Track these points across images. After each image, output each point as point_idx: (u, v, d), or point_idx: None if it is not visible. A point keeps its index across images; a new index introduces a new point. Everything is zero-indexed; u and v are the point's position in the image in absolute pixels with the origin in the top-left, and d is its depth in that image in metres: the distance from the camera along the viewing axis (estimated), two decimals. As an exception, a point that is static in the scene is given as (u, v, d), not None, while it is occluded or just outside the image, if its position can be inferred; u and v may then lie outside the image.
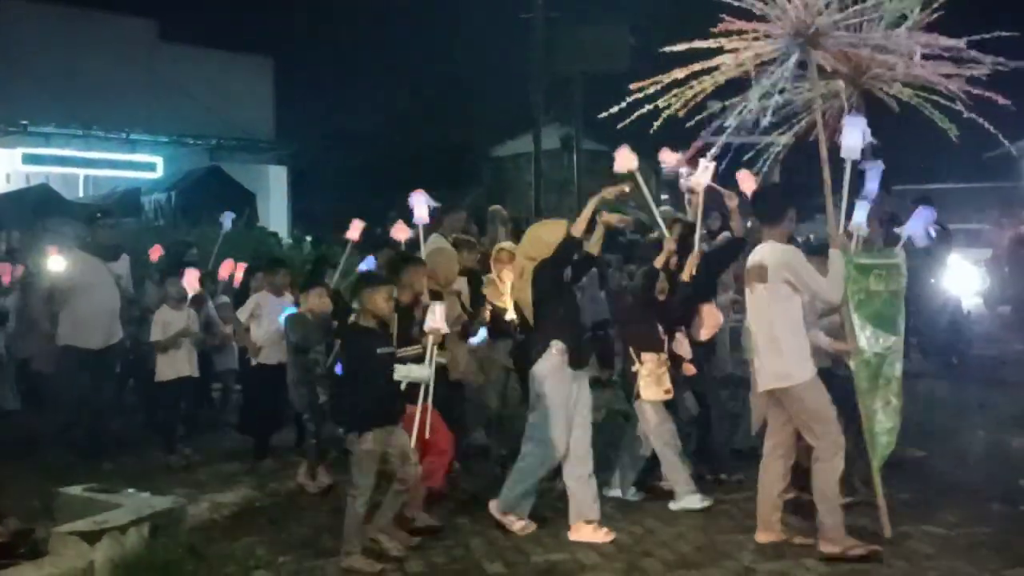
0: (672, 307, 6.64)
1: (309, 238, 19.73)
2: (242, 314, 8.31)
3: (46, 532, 5.44)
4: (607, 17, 19.50)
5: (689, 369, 6.77)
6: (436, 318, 5.86)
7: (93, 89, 23.00)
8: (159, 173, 24.63)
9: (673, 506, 6.47)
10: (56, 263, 8.59)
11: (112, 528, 5.41)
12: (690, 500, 6.42)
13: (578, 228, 6.06)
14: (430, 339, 5.90)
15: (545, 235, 6.16)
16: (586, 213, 6.14)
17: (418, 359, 5.90)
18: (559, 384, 6.03)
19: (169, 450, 8.21)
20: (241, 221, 19.80)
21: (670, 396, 6.52)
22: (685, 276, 6.64)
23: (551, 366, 6.04)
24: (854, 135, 6.01)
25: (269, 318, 8.02)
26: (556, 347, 6.04)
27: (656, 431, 6.49)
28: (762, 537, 5.71)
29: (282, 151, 27.90)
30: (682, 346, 6.72)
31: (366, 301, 5.73)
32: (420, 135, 29.02)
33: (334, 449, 7.31)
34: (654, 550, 5.75)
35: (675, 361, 6.68)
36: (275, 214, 26.25)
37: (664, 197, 29.10)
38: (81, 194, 23.97)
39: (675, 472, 6.50)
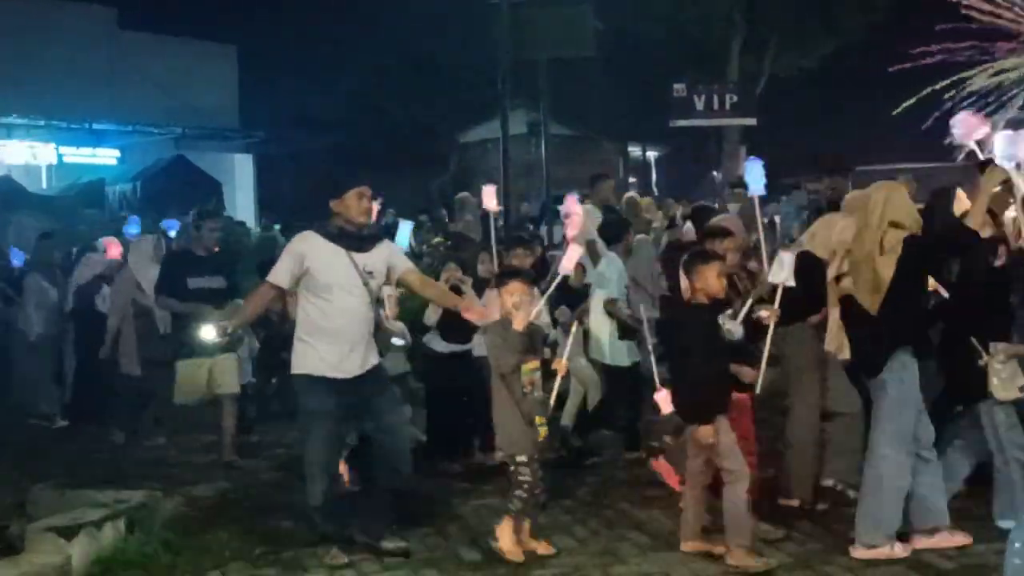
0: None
1: (278, 226, 19.64)
2: None
3: (20, 528, 5.43)
4: (572, 0, 19.53)
5: None
6: (784, 270, 5.38)
7: (54, 79, 22.71)
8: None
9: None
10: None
11: (88, 523, 5.42)
12: None
13: (977, 221, 5.21)
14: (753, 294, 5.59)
15: (907, 202, 5.36)
16: (982, 204, 5.25)
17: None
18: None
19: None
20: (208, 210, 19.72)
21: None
22: None
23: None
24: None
25: None
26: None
27: (1007, 437, 5.46)
28: None
29: (247, 139, 27.71)
30: None
31: (697, 278, 5.38)
32: (386, 120, 28.92)
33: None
34: (627, 534, 5.83)
35: None
36: (242, 203, 26.10)
37: (632, 181, 29.30)
38: (44, 185, 23.73)
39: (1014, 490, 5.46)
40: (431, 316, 7.35)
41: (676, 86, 18.60)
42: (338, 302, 5.46)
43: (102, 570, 5.31)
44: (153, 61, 24.78)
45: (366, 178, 5.68)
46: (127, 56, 24.71)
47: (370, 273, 5.56)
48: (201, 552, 5.72)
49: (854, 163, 10.25)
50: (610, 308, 7.45)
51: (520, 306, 5.42)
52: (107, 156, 24.78)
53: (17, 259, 10.70)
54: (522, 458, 5.41)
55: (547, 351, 5.71)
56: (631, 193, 12.04)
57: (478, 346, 6.93)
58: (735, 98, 19.15)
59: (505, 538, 5.41)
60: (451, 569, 5.38)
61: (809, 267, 5.54)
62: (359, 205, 5.55)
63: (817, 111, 28.15)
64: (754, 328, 5.45)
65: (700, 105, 18.56)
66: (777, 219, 10.54)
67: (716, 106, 18.76)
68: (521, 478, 5.40)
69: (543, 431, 5.46)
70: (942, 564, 5.14)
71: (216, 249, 8.11)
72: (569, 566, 5.34)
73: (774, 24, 22.68)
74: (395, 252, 5.90)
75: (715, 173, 20.43)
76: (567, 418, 7.62)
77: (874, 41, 24.79)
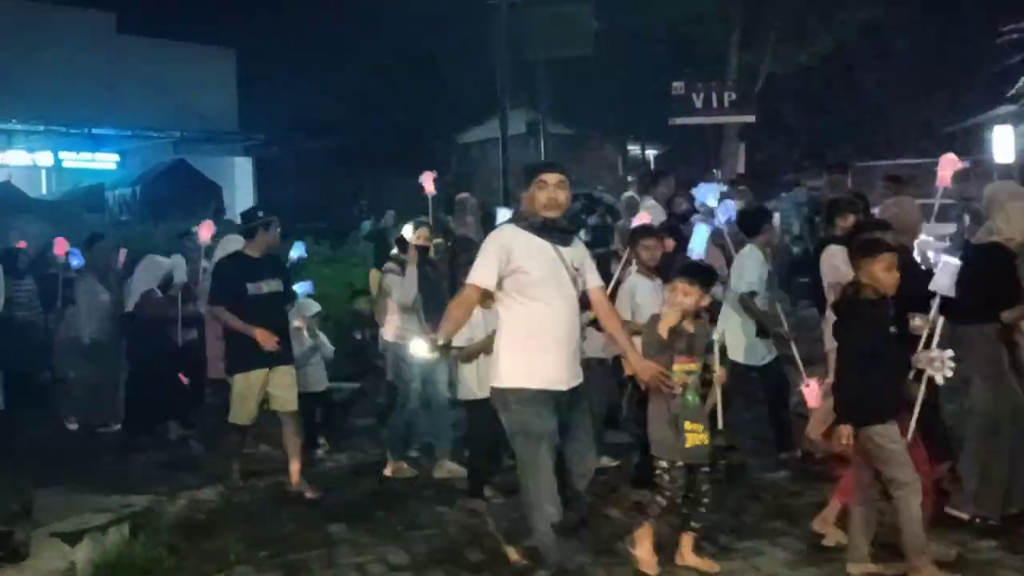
0: None
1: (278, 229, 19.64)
2: None
3: (26, 534, 5.43)
4: (571, 1, 19.54)
5: None
6: (947, 278, 5.04)
7: (53, 84, 22.73)
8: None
9: None
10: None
11: (92, 529, 5.44)
12: None
13: None
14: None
15: None
16: None
17: None
18: None
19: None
20: (209, 214, 19.72)
21: None
22: None
23: None
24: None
25: None
26: None
27: None
28: None
29: (247, 142, 27.72)
30: None
31: (865, 272, 4.99)
32: (386, 122, 28.93)
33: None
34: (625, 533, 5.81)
35: None
36: (242, 205, 26.03)
37: (630, 179, 29.27)
38: (44, 191, 23.76)
39: None
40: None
41: (675, 84, 18.63)
42: (552, 303, 4.80)
43: (107, 575, 5.32)
44: (152, 65, 24.80)
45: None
46: (126, 60, 24.73)
47: (577, 270, 4.93)
48: (206, 556, 5.73)
49: (854, 160, 10.29)
50: (747, 303, 7.00)
51: (680, 305, 5.18)
52: (107, 160, 24.80)
53: (76, 259, 10.12)
54: (663, 463, 5.11)
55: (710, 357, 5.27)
56: (630, 192, 12.03)
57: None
58: (734, 95, 19.19)
59: (643, 547, 5.10)
60: (454, 571, 5.38)
61: (998, 258, 5.46)
62: (548, 195, 4.86)
63: (816, 108, 28.16)
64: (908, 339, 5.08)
65: (699, 103, 18.60)
66: (776, 216, 10.57)
67: (715, 104, 18.79)
68: (661, 483, 5.10)
69: (693, 437, 5.08)
70: None
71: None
72: None
73: (772, 21, 22.67)
74: (588, 256, 5.16)
75: (715, 171, 20.42)
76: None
77: (872, 37, 24.88)
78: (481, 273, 4.84)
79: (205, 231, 9.22)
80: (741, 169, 21.36)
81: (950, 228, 14.57)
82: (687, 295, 5.17)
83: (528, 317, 4.79)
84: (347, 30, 28.82)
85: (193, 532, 6.17)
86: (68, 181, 24.03)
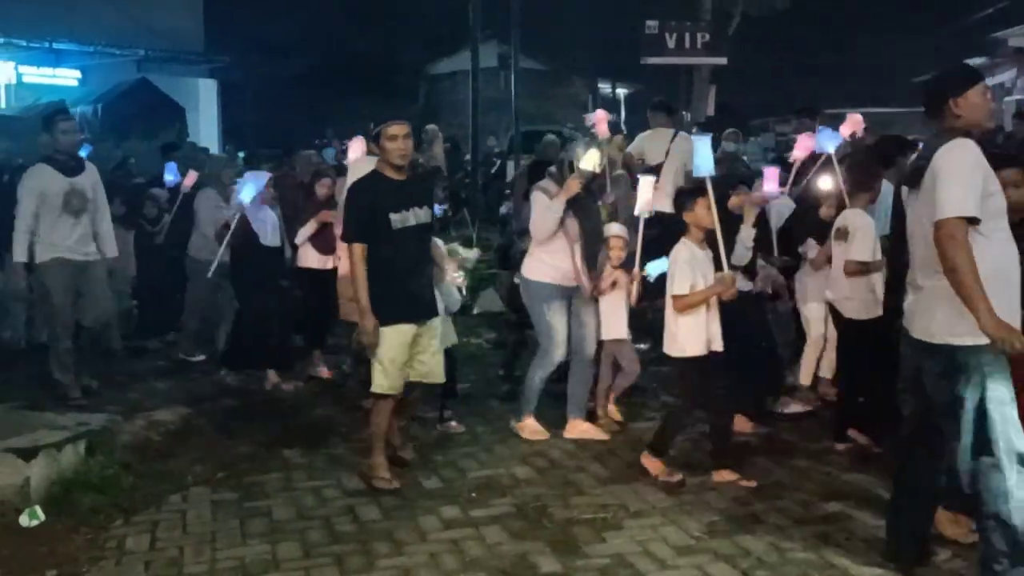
0: None
1: (241, 154, 19.41)
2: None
3: (-21, 450, 5.41)
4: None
5: None
6: None
7: (14, -5, 22.08)
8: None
9: None
10: None
11: (48, 445, 5.42)
12: None
13: None
14: None
15: None
16: None
17: None
18: None
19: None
20: (171, 135, 19.41)
21: None
22: None
23: None
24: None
25: None
26: None
27: None
28: None
29: (211, 64, 27.19)
30: None
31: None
32: (355, 50, 28.53)
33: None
34: (587, 465, 5.92)
35: None
36: (205, 128, 25.69)
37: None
38: (3, 105, 23.22)
39: None
40: None
41: (648, 23, 18.49)
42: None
43: (61, 491, 5.32)
44: (116, -20, 24.13)
45: None
46: (89, -26, 24.04)
47: None
48: (162, 476, 5.75)
49: (822, 106, 10.27)
50: None
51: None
52: (68, 77, 24.22)
53: (172, 173, 9.54)
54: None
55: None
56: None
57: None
58: (707, 37, 19.09)
59: None
60: (411, 496, 5.44)
61: None
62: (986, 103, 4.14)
63: (788, 53, 28.12)
64: None
65: (671, 43, 18.50)
66: (744, 159, 10.59)
67: (688, 45, 18.70)
68: None
69: None
70: None
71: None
72: (529, 496, 5.42)
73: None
74: None
75: (684, 112, 20.38)
76: (826, 371, 6.93)
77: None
78: (962, 202, 3.87)
79: (189, 179, 9.01)
80: (711, 112, 21.33)
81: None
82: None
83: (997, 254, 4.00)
84: (317, -48, 28.28)
85: (150, 453, 6.17)
86: (28, 97, 23.47)
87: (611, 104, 32.09)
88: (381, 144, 5.52)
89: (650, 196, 6.30)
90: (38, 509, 5.07)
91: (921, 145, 4.23)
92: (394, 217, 5.44)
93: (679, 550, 4.67)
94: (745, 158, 11.60)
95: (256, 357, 7.91)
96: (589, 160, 6.18)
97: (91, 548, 4.82)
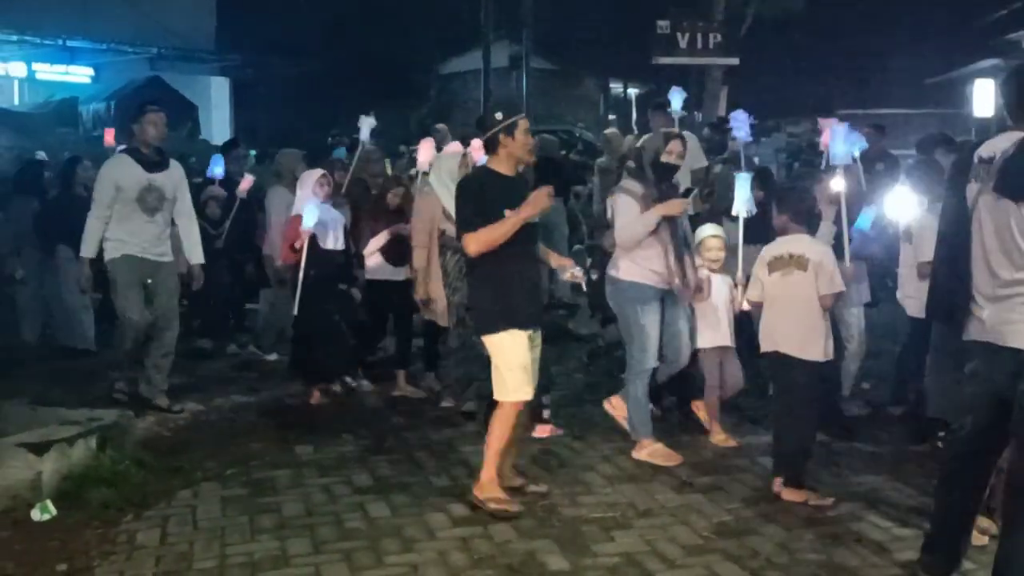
0: None
1: (253, 152, 19.43)
2: None
3: (-9, 445, 5.43)
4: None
5: None
6: None
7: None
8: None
9: None
10: None
11: (59, 440, 5.44)
12: None
13: None
14: None
15: None
16: None
17: None
18: None
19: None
20: (183, 132, 19.48)
21: None
22: None
23: None
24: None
25: None
26: None
27: None
28: None
29: (223, 62, 27.27)
30: None
31: None
32: (367, 49, 28.54)
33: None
34: (596, 464, 5.92)
35: None
36: (217, 126, 25.78)
37: (611, 118, 29.10)
38: (16, 101, 23.36)
39: None
40: None
41: (660, 23, 18.44)
42: None
43: (73, 486, 5.33)
44: (129, -22, 24.21)
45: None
46: (103, -28, 24.13)
47: None
48: (173, 471, 5.76)
49: (836, 107, 10.25)
50: None
51: None
52: (81, 74, 24.36)
53: (219, 165, 9.28)
54: None
55: None
56: (612, 129, 12.00)
57: None
58: (719, 37, 19.03)
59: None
60: (421, 493, 5.45)
61: None
62: None
63: (800, 54, 28.07)
64: None
65: (683, 43, 18.43)
66: (756, 160, 10.57)
67: (700, 45, 18.63)
68: None
69: None
70: None
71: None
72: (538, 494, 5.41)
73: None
74: None
75: (696, 113, 20.35)
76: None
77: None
78: None
79: (245, 184, 8.79)
80: (723, 112, 21.30)
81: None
82: None
83: None
84: (330, -47, 28.30)
85: (161, 448, 6.20)
86: (41, 93, 23.59)
87: (623, 104, 32.08)
88: (513, 137, 5.09)
89: (748, 194, 6.06)
90: (49, 503, 5.09)
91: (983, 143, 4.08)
92: (510, 214, 5.07)
93: (688, 550, 4.66)
94: (756, 159, 11.58)
95: (322, 368, 7.39)
96: (672, 153, 5.81)
97: (102, 542, 4.83)
